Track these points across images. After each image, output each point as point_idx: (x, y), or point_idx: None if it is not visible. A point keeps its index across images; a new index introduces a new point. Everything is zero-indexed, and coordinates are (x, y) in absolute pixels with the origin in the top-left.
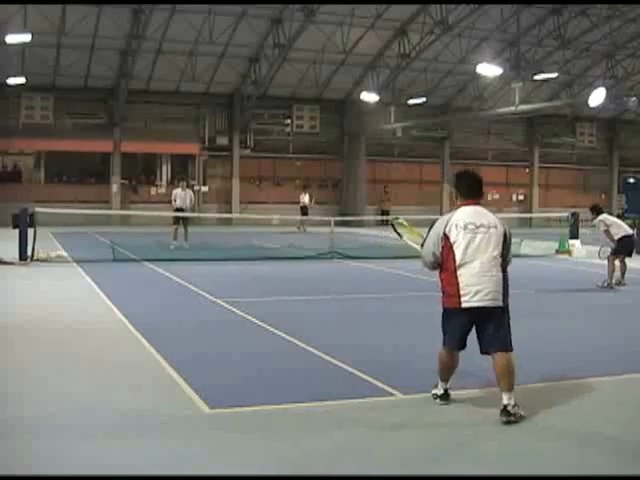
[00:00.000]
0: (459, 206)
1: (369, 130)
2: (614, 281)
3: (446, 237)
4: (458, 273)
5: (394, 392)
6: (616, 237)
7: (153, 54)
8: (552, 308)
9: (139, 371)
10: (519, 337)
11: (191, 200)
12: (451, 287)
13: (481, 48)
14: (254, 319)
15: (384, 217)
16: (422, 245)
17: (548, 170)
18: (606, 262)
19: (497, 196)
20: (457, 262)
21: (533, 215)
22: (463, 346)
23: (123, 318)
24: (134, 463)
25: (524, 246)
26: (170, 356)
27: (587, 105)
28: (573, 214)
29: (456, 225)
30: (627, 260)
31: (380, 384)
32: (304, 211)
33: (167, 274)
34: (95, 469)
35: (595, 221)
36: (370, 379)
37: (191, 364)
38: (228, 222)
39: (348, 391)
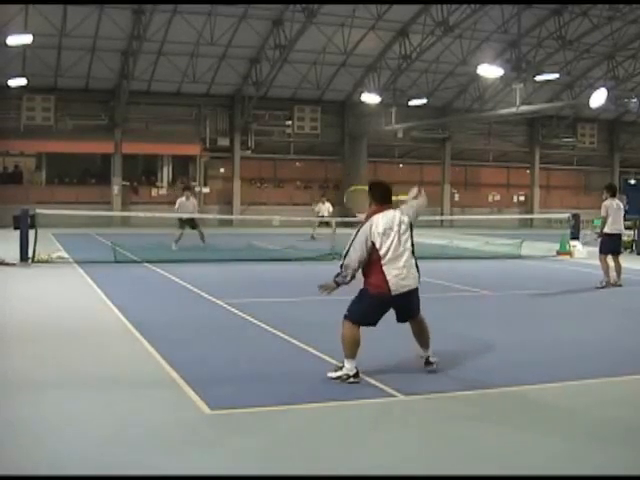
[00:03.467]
0: (374, 211)
1: (370, 131)
2: (611, 281)
3: (372, 243)
4: (384, 269)
5: (396, 393)
6: (606, 230)
7: (154, 55)
8: (552, 309)
9: (140, 372)
10: (518, 338)
11: (194, 207)
12: (378, 279)
13: (482, 49)
14: (255, 320)
15: None
16: (345, 255)
17: (549, 171)
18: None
19: (498, 197)
20: (382, 260)
21: (534, 216)
22: (375, 324)
23: (124, 319)
24: (134, 464)
25: (525, 247)
26: (171, 357)
27: (588, 106)
28: (574, 215)
29: (378, 233)
30: (624, 261)
31: (382, 385)
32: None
33: (168, 275)
34: (96, 469)
35: (604, 203)
36: (371, 380)
37: (192, 365)
38: (229, 223)
39: (349, 392)
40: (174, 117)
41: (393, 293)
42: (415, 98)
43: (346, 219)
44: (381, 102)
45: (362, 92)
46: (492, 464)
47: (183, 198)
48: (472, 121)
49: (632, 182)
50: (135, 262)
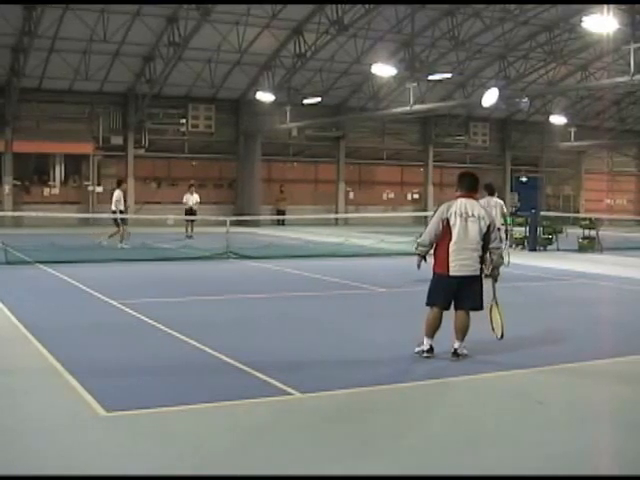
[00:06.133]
0: (457, 197)
1: (265, 130)
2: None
3: (447, 221)
4: (451, 249)
5: (292, 391)
6: None
7: (46, 52)
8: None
9: (33, 375)
10: (412, 335)
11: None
12: (442, 258)
13: (376, 48)
14: (150, 320)
15: (280, 217)
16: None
17: (442, 169)
18: None
19: (392, 195)
20: (452, 240)
21: (427, 214)
22: (447, 307)
23: (15, 321)
24: (29, 468)
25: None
26: (65, 359)
27: (480, 105)
28: None
29: (455, 213)
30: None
31: (278, 384)
32: (191, 213)
33: (61, 276)
34: None
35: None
36: (268, 379)
37: (87, 367)
38: (122, 223)
39: (246, 391)
40: (66, 115)
41: (451, 273)
42: (309, 97)
43: (239, 217)
44: (275, 101)
45: (257, 90)
46: (385, 463)
47: (117, 191)
48: (366, 120)
49: (523, 180)
50: (27, 263)
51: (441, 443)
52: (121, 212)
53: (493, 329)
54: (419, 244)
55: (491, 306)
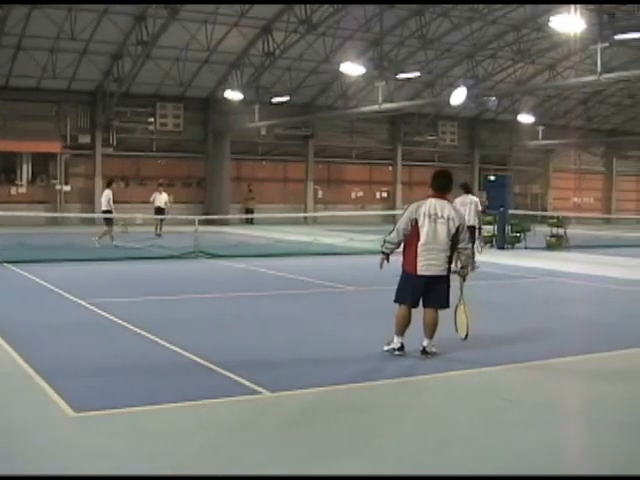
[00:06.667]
0: (428, 197)
1: (233, 129)
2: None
3: (415, 221)
4: (419, 250)
5: (262, 391)
6: None
7: (13, 50)
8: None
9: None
10: (379, 334)
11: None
12: (411, 258)
13: (345, 47)
14: (119, 320)
15: (249, 215)
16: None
17: (411, 168)
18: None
19: (361, 194)
20: (420, 241)
21: (396, 212)
22: (416, 305)
23: None
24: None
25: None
26: (33, 359)
27: (449, 104)
28: None
29: (424, 213)
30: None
31: (249, 383)
32: (160, 213)
33: (29, 275)
34: None
35: (455, 199)
36: (238, 378)
37: (55, 367)
38: (91, 222)
39: (216, 390)
40: (34, 113)
41: (419, 273)
42: (278, 95)
43: (208, 217)
44: (244, 99)
45: (225, 89)
46: (356, 463)
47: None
48: (335, 118)
49: (492, 178)
50: None
51: (412, 442)
52: (110, 212)
53: (457, 330)
54: (387, 241)
55: (456, 306)
